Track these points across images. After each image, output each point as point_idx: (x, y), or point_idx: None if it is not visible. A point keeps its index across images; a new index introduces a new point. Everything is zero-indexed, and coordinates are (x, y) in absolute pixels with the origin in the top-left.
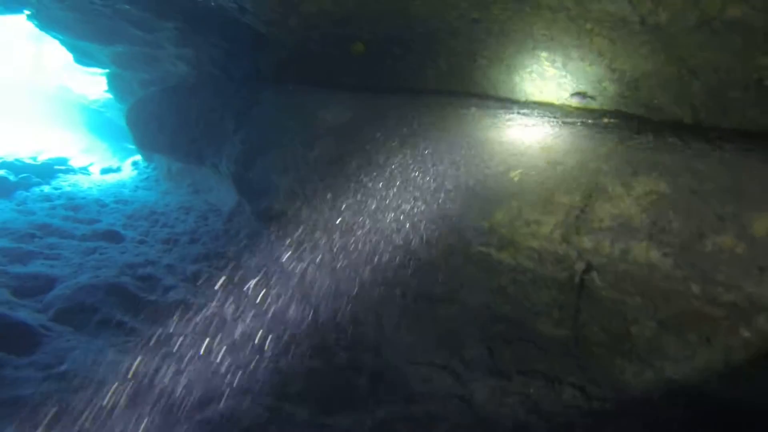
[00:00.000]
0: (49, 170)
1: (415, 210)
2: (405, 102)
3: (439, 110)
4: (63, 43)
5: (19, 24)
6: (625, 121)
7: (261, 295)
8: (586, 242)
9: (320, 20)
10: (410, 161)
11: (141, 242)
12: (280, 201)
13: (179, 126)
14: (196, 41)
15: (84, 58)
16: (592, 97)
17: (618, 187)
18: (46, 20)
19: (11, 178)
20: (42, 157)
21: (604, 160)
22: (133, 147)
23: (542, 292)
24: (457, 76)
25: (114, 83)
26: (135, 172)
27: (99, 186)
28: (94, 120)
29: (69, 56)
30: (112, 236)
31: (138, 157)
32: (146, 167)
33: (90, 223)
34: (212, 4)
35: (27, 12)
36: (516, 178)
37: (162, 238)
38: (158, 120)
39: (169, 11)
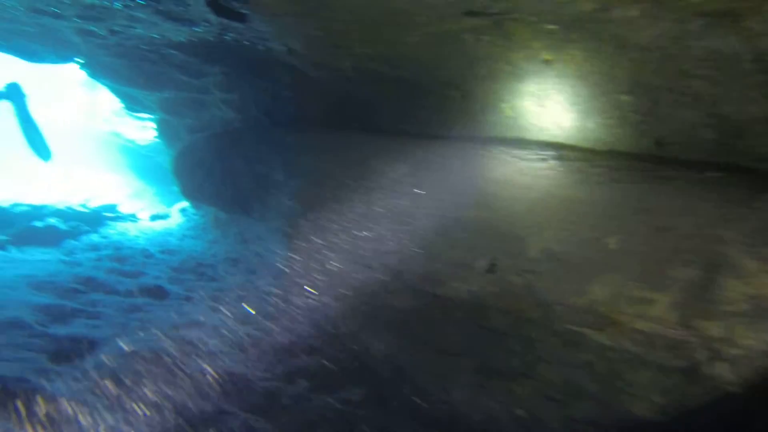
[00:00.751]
0: (98, 218)
1: (493, 278)
2: (467, 151)
3: (508, 162)
4: (113, 90)
5: (73, 72)
6: (733, 176)
7: None
8: (714, 328)
9: (375, 63)
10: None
11: (186, 299)
12: (338, 262)
13: (225, 174)
14: (242, 85)
15: (133, 104)
16: (682, 146)
17: (749, 260)
18: (96, 67)
19: (61, 226)
20: (92, 204)
21: (723, 225)
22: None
23: (640, 372)
24: (523, 123)
25: (162, 129)
26: (183, 219)
27: (146, 234)
28: (144, 164)
29: (119, 103)
30: (157, 292)
31: (185, 204)
32: (194, 214)
33: (135, 276)
34: (260, 47)
35: (79, 61)
36: (613, 246)
37: (209, 294)
38: (204, 168)
39: (216, 55)
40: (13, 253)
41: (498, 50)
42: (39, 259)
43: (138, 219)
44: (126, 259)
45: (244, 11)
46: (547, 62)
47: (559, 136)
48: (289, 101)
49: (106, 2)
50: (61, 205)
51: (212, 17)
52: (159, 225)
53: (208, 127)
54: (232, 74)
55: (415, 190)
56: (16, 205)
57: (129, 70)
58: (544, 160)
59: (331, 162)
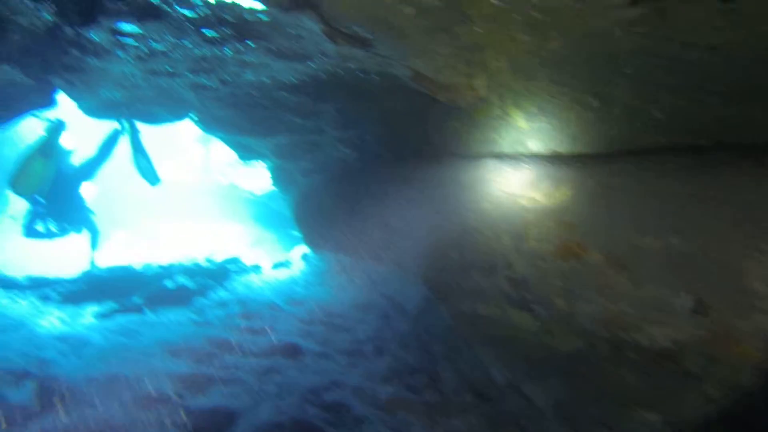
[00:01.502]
0: (223, 272)
1: (703, 320)
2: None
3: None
4: (226, 141)
5: (187, 128)
6: None
7: None
8: None
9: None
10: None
11: (321, 355)
12: (488, 305)
13: (349, 217)
14: (359, 120)
15: (247, 153)
16: None
17: None
18: (209, 121)
19: (190, 284)
20: (217, 257)
21: None
22: (299, 234)
23: None
24: None
25: (277, 175)
26: (305, 266)
27: (271, 285)
28: (261, 212)
29: (233, 154)
30: (290, 350)
31: (306, 249)
32: (316, 259)
33: (266, 333)
34: (379, 75)
35: (193, 117)
36: None
37: (343, 348)
38: (325, 214)
39: (329, 92)
40: (149, 316)
41: None
42: (172, 320)
43: (261, 269)
44: (254, 315)
45: (367, 35)
46: None
47: None
48: (412, 131)
49: (216, 51)
50: (188, 262)
51: (330, 47)
52: (282, 273)
53: (325, 168)
54: (347, 110)
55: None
56: (147, 266)
57: (241, 119)
58: None
59: (468, 193)
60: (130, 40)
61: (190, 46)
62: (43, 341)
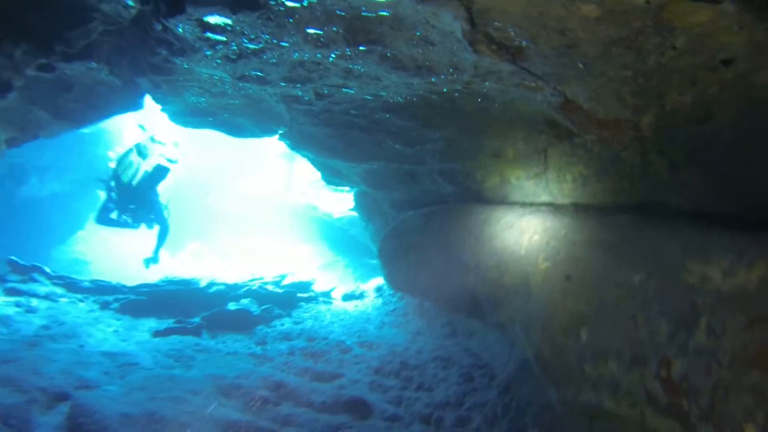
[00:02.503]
0: (291, 299)
1: None
2: None
3: None
4: (313, 161)
5: (273, 144)
6: None
7: None
8: None
9: (679, 118)
10: None
11: (393, 418)
12: (621, 402)
13: (441, 260)
14: (469, 153)
15: (332, 176)
16: None
17: None
18: (297, 138)
19: (254, 309)
20: (286, 281)
21: None
22: (374, 262)
23: None
24: None
25: (362, 202)
26: (379, 301)
27: (341, 320)
28: (337, 236)
29: (318, 174)
30: (358, 407)
31: (381, 281)
32: (391, 295)
33: (331, 379)
34: (496, 105)
35: (280, 132)
36: None
37: (420, 413)
38: (419, 255)
39: (442, 117)
40: (206, 340)
41: None
42: (230, 350)
43: (332, 299)
44: (320, 355)
45: (524, 42)
46: None
47: None
48: None
49: (318, 55)
50: (254, 284)
51: (467, 59)
52: (353, 306)
53: (418, 202)
54: (458, 140)
55: None
56: (212, 284)
57: (333, 139)
58: None
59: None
60: (219, 36)
61: (287, 46)
62: (89, 356)
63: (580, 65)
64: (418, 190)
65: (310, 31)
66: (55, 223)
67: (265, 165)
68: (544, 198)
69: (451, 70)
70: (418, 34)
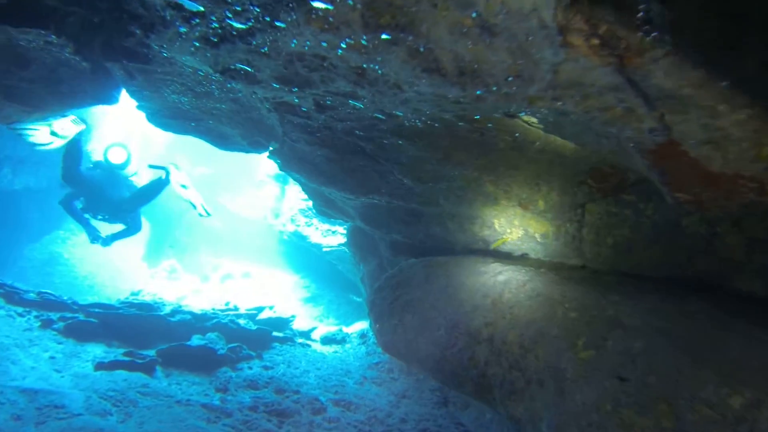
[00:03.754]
0: (264, 338)
1: None
2: None
3: None
4: (304, 187)
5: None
6: None
7: None
8: None
9: None
10: None
11: None
12: None
13: (454, 330)
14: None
15: (325, 207)
16: None
17: None
18: (289, 157)
19: (220, 347)
20: (262, 315)
21: None
22: (360, 300)
23: None
24: None
25: (355, 239)
26: (362, 349)
27: (318, 369)
28: (324, 270)
29: (309, 202)
30: None
31: (365, 325)
32: (377, 344)
33: None
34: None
35: (270, 147)
36: None
37: None
38: (419, 316)
39: (464, 151)
40: (157, 380)
41: None
42: (183, 396)
43: (311, 340)
44: (288, 415)
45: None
46: None
47: None
48: None
49: (323, 43)
50: (225, 317)
51: (547, 58)
52: (333, 352)
53: (420, 248)
54: (481, 182)
55: None
56: (177, 310)
57: (332, 163)
58: None
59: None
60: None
61: (284, 27)
62: (2, 392)
63: (725, 85)
64: (422, 234)
65: (316, 4)
66: (28, 219)
67: (255, 185)
68: (575, 261)
69: (510, 79)
70: (474, 15)
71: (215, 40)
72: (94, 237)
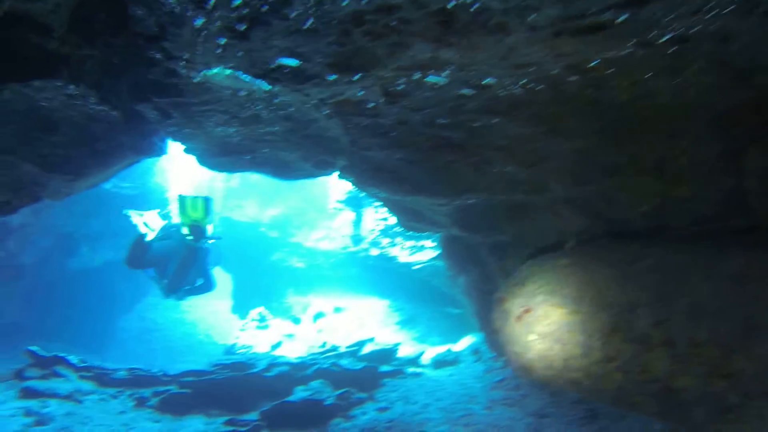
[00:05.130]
0: (372, 376)
1: None
2: None
3: None
4: (385, 202)
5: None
6: None
7: None
8: None
9: None
10: None
11: None
12: None
13: (617, 333)
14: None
15: (412, 220)
16: None
17: None
18: (362, 170)
19: (327, 397)
20: (365, 350)
21: None
22: (457, 312)
23: None
24: None
25: (450, 249)
26: (479, 366)
27: (437, 399)
28: (415, 288)
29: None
30: None
31: (474, 339)
32: (492, 359)
33: None
34: None
35: (338, 166)
36: None
37: None
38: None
39: (574, 117)
40: None
41: None
42: None
43: (421, 367)
44: None
45: None
46: None
47: None
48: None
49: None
50: (325, 360)
51: None
52: (449, 376)
53: (529, 245)
54: (598, 151)
55: None
56: (272, 363)
57: (413, 166)
58: None
59: None
60: None
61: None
62: None
63: None
64: (530, 230)
65: None
66: (117, 292)
67: (327, 216)
68: (736, 222)
69: None
70: None
71: (243, 27)
72: (172, 294)
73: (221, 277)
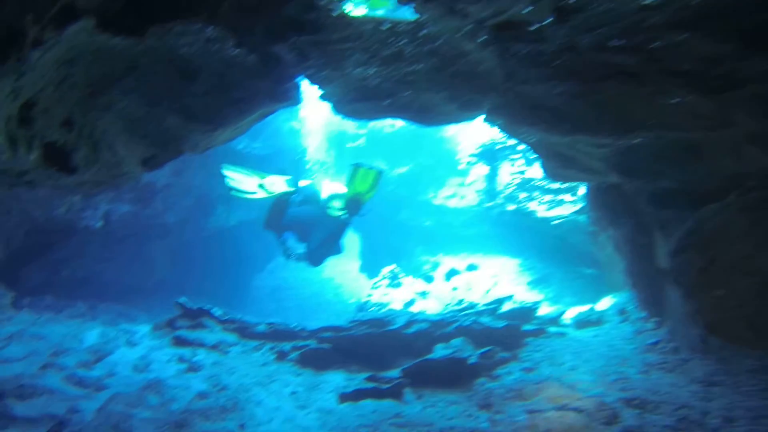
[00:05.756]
0: (515, 335)
1: None
2: None
3: None
4: (536, 147)
5: (466, 142)
6: None
7: None
8: None
9: None
10: None
11: None
12: None
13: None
14: None
15: (562, 167)
16: None
17: None
18: (516, 109)
19: (469, 356)
20: (505, 308)
21: None
22: (590, 272)
23: None
24: None
25: (599, 201)
26: (626, 327)
27: (586, 361)
28: (549, 246)
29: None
30: None
31: (616, 299)
32: (642, 319)
33: None
34: None
35: (486, 107)
36: None
37: None
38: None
39: None
40: (410, 405)
41: None
42: (444, 423)
43: (563, 327)
44: (578, 430)
45: None
46: None
47: None
48: None
49: None
50: (465, 318)
51: None
52: (594, 336)
53: (696, 193)
54: None
55: None
56: (411, 320)
57: (577, 101)
58: None
59: None
60: None
61: None
62: None
63: None
64: (701, 173)
65: None
66: (250, 251)
67: (458, 172)
68: None
69: None
70: None
71: None
72: (305, 259)
73: (349, 237)
